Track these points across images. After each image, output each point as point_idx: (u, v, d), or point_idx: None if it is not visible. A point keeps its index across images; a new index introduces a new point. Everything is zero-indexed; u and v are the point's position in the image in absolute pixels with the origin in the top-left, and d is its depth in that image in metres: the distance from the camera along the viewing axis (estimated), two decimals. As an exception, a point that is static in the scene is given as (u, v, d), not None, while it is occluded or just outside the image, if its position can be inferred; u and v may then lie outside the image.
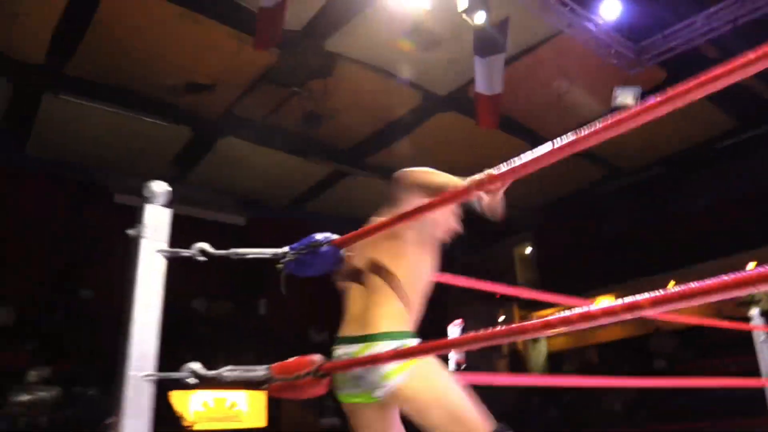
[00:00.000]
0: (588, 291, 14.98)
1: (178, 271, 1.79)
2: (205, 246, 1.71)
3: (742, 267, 12.19)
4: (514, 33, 7.11)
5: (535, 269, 16.91)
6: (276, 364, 1.55)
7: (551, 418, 10.84)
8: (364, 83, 9.79)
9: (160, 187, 1.74)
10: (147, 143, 11.16)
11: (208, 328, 10.79)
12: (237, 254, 1.71)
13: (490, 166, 1.45)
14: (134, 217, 1.74)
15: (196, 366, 1.59)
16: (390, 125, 11.32)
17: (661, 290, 1.00)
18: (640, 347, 11.24)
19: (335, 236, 1.67)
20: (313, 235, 1.68)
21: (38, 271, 11.05)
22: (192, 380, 1.55)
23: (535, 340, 14.85)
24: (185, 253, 1.70)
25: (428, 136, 11.32)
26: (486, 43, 6.69)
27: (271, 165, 12.43)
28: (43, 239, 11.28)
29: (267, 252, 1.71)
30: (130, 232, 1.69)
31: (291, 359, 1.55)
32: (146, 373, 1.57)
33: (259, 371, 1.56)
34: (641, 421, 10.04)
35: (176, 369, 1.63)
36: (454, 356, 11.90)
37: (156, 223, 1.71)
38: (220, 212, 14.05)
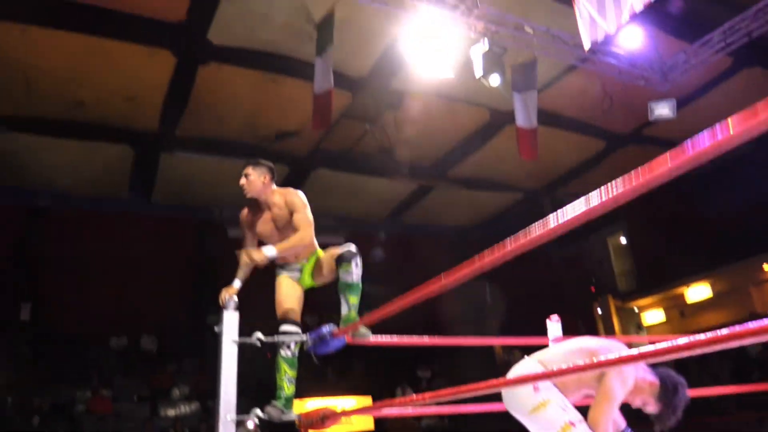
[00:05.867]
0: (682, 278, 14.97)
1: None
2: (259, 335, 2.77)
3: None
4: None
5: (629, 258, 16.96)
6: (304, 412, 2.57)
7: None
8: (431, 110, 10.66)
9: (231, 299, 2.82)
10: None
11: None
12: (266, 340, 2.75)
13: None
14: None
15: (258, 411, 2.66)
16: (462, 141, 12.16)
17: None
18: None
19: (336, 328, 2.68)
20: (321, 328, 2.69)
21: (172, 301, 12.84)
22: (251, 423, 2.61)
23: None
24: (248, 340, 2.76)
25: (500, 148, 12.04)
26: (520, 79, 7.35)
27: (359, 189, 13.64)
28: (174, 274, 13.13)
29: (297, 338, 2.75)
30: (216, 328, 2.78)
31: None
32: (231, 417, 2.64)
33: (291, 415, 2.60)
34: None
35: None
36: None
37: (230, 322, 2.78)
38: (322, 234, 15.45)
